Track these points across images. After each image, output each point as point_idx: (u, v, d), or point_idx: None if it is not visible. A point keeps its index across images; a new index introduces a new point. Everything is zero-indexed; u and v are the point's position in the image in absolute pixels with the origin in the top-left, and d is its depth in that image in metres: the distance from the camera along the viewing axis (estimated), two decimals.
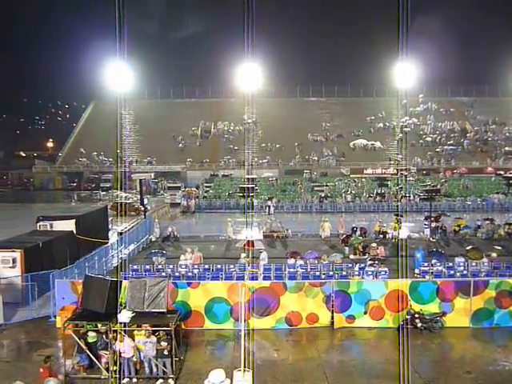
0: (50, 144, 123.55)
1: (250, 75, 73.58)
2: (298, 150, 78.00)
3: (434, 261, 22.22)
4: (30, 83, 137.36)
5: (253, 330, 16.21)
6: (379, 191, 52.93)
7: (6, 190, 74.63)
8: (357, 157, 73.93)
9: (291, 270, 21.29)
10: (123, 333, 13.48)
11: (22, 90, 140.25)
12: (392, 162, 69.66)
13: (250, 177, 52.87)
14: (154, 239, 32.85)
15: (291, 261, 22.29)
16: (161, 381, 13.63)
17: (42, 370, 12.82)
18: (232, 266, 21.54)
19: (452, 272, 21.17)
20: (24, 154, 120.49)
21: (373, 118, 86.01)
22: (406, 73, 73.25)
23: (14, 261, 20.12)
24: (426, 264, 21.92)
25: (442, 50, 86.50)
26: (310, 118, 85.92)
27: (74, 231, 26.01)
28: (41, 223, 26.84)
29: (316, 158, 75.41)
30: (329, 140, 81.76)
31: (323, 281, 18.30)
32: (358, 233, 31.29)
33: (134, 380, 13.63)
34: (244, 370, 10.94)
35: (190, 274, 21.10)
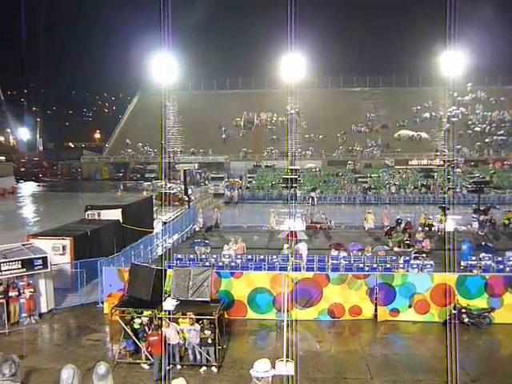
0: (97, 135, 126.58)
1: (293, 66, 73.09)
2: (342, 141, 77.19)
3: (482, 254, 21.65)
4: (78, 76, 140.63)
5: (295, 320, 16.21)
6: (425, 183, 51.86)
7: (56, 179, 77.05)
8: (402, 147, 72.52)
9: (334, 261, 21.18)
10: (168, 320, 13.71)
11: (70, 83, 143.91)
12: (438, 153, 68.06)
13: (292, 167, 52.71)
14: (197, 229, 33.24)
15: (334, 252, 22.16)
16: (204, 368, 13.82)
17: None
18: (275, 257, 21.58)
19: (501, 266, 20.56)
20: (73, 145, 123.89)
21: (418, 107, 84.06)
22: (453, 61, 71.14)
23: (64, 248, 20.75)
24: (473, 258, 21.39)
25: (493, 36, 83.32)
26: (353, 108, 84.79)
27: (121, 220, 26.57)
28: (89, 212, 27.54)
29: (360, 149, 74.44)
30: (373, 130, 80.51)
31: (367, 273, 18.12)
32: (403, 225, 30.77)
33: (178, 366, 13.87)
34: (286, 361, 10.96)
35: (233, 263, 21.28)
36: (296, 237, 23.54)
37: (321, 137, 77.71)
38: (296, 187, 44.88)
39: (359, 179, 55.11)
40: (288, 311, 16.08)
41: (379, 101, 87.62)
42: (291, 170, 49.88)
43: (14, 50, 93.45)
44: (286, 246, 22.86)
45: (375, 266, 20.18)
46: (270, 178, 56.43)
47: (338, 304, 17.27)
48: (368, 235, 30.78)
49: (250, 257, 21.96)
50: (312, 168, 62.27)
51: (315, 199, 45.45)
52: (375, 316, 17.20)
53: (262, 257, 21.71)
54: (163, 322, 13.67)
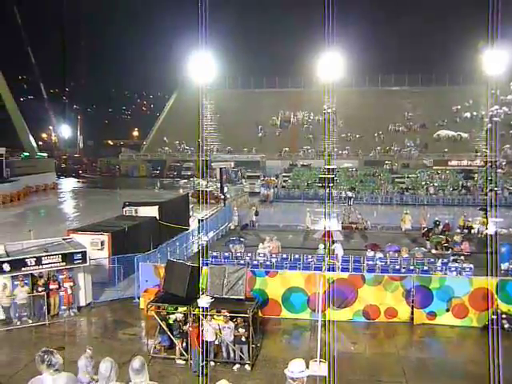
0: (135, 133, 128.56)
1: (330, 64, 72.54)
2: (379, 141, 76.21)
3: None
4: (118, 75, 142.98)
5: (330, 321, 16.11)
6: (465, 184, 50.72)
7: (95, 176, 78.65)
8: (441, 148, 71.03)
9: (370, 262, 20.92)
10: (204, 317, 13.82)
11: (110, 82, 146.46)
12: (479, 154, 66.39)
13: (329, 167, 52.33)
14: (232, 227, 33.38)
15: (370, 253, 21.92)
16: (237, 366, 13.88)
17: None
18: (310, 256, 21.48)
19: None
20: (112, 143, 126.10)
21: (459, 107, 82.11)
22: (496, 59, 69.21)
23: (102, 243, 21.17)
24: None
25: None
26: (391, 107, 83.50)
27: (157, 217, 26.93)
28: (127, 208, 28.02)
29: (397, 149, 73.34)
30: (411, 130, 79.12)
31: (403, 275, 17.85)
32: (441, 227, 30.18)
33: (212, 363, 13.97)
34: (320, 361, 10.89)
35: (268, 262, 21.28)
36: (331, 237, 23.38)
37: (358, 136, 76.90)
38: (332, 187, 44.53)
39: (396, 179, 54.30)
40: (322, 311, 16.00)
41: (418, 100, 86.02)
42: (327, 169, 49.48)
43: (57, 49, 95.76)
44: (321, 245, 22.71)
45: (412, 267, 19.85)
46: (305, 178, 56.19)
47: (373, 305, 17.07)
48: (405, 236, 30.32)
49: (285, 256, 21.93)
50: (348, 168, 61.70)
51: (351, 199, 45.08)
52: (411, 319, 16.93)
53: (297, 256, 21.65)
54: (202, 318, 13.78)
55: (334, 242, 22.92)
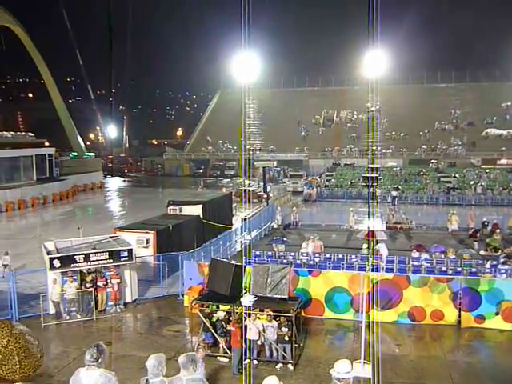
0: (179, 133, 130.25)
1: (374, 62, 71.52)
2: (424, 139, 74.66)
3: None
4: (162, 76, 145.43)
5: (374, 322, 15.90)
6: None
7: (140, 175, 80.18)
8: (489, 146, 68.96)
9: (415, 263, 20.56)
10: (247, 316, 13.89)
11: (154, 83, 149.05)
12: None
13: (373, 166, 51.65)
14: (275, 226, 33.40)
15: (415, 254, 21.52)
16: (280, 365, 13.88)
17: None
18: (353, 256, 21.29)
19: None
20: (156, 142, 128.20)
21: (509, 103, 79.49)
22: None
23: (147, 241, 21.59)
24: None
25: None
26: (437, 105, 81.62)
27: (201, 216, 27.21)
28: (171, 207, 28.45)
29: (444, 148, 71.67)
30: (458, 128, 77.17)
31: (450, 276, 17.45)
32: (489, 227, 29.31)
33: (255, 362, 14.01)
34: (364, 363, 10.80)
35: (311, 262, 21.21)
36: (375, 237, 23.08)
37: (402, 135, 75.61)
38: (376, 186, 43.93)
39: (442, 179, 53.06)
40: (366, 312, 15.81)
41: (465, 97, 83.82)
42: (371, 168, 48.87)
43: (104, 51, 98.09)
44: (365, 245, 22.47)
45: (459, 269, 19.38)
46: (349, 177, 55.66)
47: (418, 307, 16.75)
48: (451, 237, 29.63)
49: (328, 255, 21.80)
50: (393, 167, 60.73)
51: (396, 199, 44.37)
52: (459, 322, 16.52)
53: (340, 256, 21.49)
54: (246, 317, 13.85)
55: (377, 242, 22.61)
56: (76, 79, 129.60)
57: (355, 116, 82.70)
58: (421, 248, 22.51)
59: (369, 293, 16.31)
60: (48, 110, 79.48)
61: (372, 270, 18.29)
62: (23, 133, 65.82)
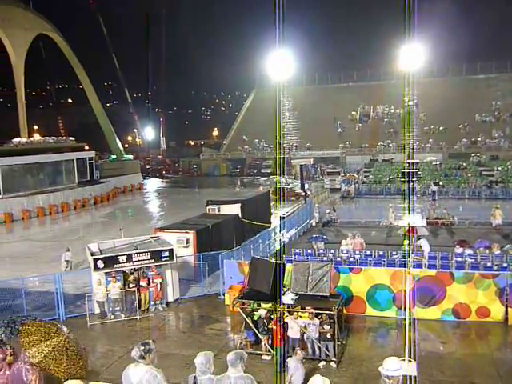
0: (215, 133, 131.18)
1: (411, 55, 70.31)
2: (464, 132, 72.94)
3: None
4: (197, 76, 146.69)
5: (417, 319, 15.65)
6: None
7: (178, 176, 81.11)
8: None
9: (459, 259, 20.13)
10: (288, 314, 13.89)
11: (189, 84, 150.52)
12: None
13: (411, 161, 50.83)
14: (314, 224, 33.26)
15: (459, 250, 21.07)
16: (323, 363, 13.81)
17: None
18: (394, 253, 21.02)
19: None
20: (193, 143, 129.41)
21: None
22: None
23: (187, 241, 21.82)
24: None
25: None
26: (477, 96, 79.49)
27: (240, 215, 27.32)
28: (210, 207, 28.68)
29: (485, 140, 69.85)
30: (500, 120, 75.06)
31: (496, 272, 16.99)
32: None
33: None
34: (408, 360, 10.64)
35: (351, 259, 21.04)
36: (416, 233, 22.73)
37: (441, 128, 74.07)
38: (415, 181, 43.21)
39: (484, 172, 51.76)
40: (409, 309, 15.59)
41: (507, 88, 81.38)
42: (410, 163, 48.12)
43: (140, 55, 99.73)
44: (405, 241, 22.15)
45: (505, 265, 18.86)
46: (387, 172, 54.94)
47: (463, 304, 16.38)
48: (495, 232, 28.88)
49: (368, 252, 21.59)
50: (432, 161, 59.57)
51: (436, 194, 43.57)
52: (506, 319, 16.06)
53: (381, 253, 21.24)
54: (287, 315, 13.86)
55: (419, 238, 22.26)
56: (113, 83, 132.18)
57: (392, 111, 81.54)
58: (464, 243, 22.02)
59: (411, 290, 16.07)
60: (87, 114, 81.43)
61: (414, 267, 18.03)
62: (64, 137, 67.54)
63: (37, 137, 67.60)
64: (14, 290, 19.12)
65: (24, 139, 57.03)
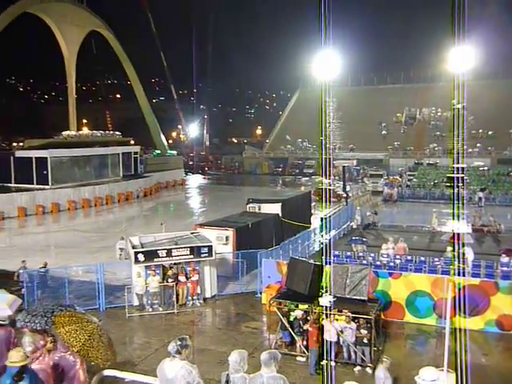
0: (258, 131, 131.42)
1: (460, 56, 68.54)
2: None
3: None
4: (242, 75, 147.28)
5: (458, 329, 15.23)
6: None
7: (220, 173, 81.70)
8: None
9: (504, 268, 19.51)
10: (325, 316, 13.76)
11: (234, 82, 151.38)
12: None
13: (458, 166, 49.53)
14: (354, 226, 32.88)
15: (505, 259, 20.41)
16: (358, 368, 13.63)
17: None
18: (436, 260, 20.55)
19: None
20: (236, 141, 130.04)
21: None
22: None
23: (227, 238, 21.93)
24: None
25: None
26: None
27: (280, 214, 27.27)
28: (250, 205, 28.72)
29: None
30: None
31: None
32: None
33: (333, 363, 13.85)
34: (447, 371, 10.35)
35: (391, 263, 20.69)
36: (460, 240, 22.12)
37: (490, 133, 71.84)
38: (461, 187, 42.09)
39: None
40: (450, 318, 15.18)
41: None
42: (456, 168, 46.92)
43: (186, 52, 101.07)
44: (449, 248, 21.61)
45: None
46: (432, 177, 53.81)
47: (508, 316, 15.84)
48: None
49: (409, 258, 21.18)
50: (479, 166, 57.90)
51: (483, 200, 42.36)
52: None
53: (422, 258, 20.81)
54: (324, 317, 13.74)
55: (463, 245, 21.66)
56: (160, 80, 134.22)
57: (439, 114, 79.69)
58: (511, 252, 21.31)
59: (453, 298, 15.65)
60: (134, 109, 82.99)
61: (457, 275, 17.56)
62: (111, 132, 69.14)
63: (85, 130, 69.55)
64: (57, 279, 19.75)
65: (73, 132, 58.83)
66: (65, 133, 56.88)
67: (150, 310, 18.08)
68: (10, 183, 44.06)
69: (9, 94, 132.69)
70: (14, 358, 6.33)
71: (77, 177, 47.71)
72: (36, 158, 44.26)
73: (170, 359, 5.80)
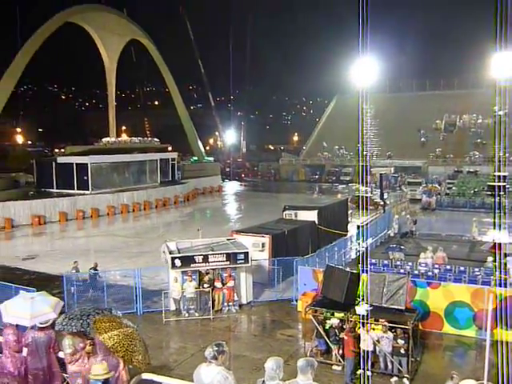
0: (295, 138, 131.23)
1: (502, 63, 67.02)
2: None
3: None
4: (279, 81, 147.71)
5: (499, 341, 14.83)
6: None
7: (257, 180, 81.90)
8: None
9: None
10: (361, 325, 13.63)
11: (271, 89, 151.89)
12: None
13: (499, 174, 48.36)
14: (392, 234, 32.45)
15: None
16: (395, 379, 13.44)
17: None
18: (477, 270, 20.08)
19: None
20: (272, 148, 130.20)
21: None
22: None
23: (263, 245, 21.98)
24: None
25: None
26: None
27: (316, 221, 27.17)
28: (286, 212, 28.72)
29: None
30: None
31: None
32: None
33: (369, 373, 13.69)
34: None
35: (429, 273, 20.33)
36: (502, 250, 21.59)
37: None
38: (503, 195, 41.06)
39: None
40: (491, 330, 14.80)
41: None
42: (497, 176, 45.84)
43: (224, 59, 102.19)
44: (489, 258, 21.10)
45: None
46: (472, 185, 52.58)
47: None
48: None
49: (448, 267, 20.77)
50: None
51: None
52: None
53: (462, 268, 20.37)
54: (360, 326, 13.61)
55: (505, 256, 21.12)
56: (197, 87, 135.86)
57: (480, 121, 77.96)
58: None
59: (494, 309, 15.25)
60: (172, 116, 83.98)
61: (498, 286, 17.11)
62: (149, 138, 70.27)
63: (124, 137, 70.89)
64: (96, 282, 20.18)
65: (112, 139, 60.07)
66: (105, 139, 58.15)
67: (186, 315, 18.26)
68: (52, 188, 45.26)
69: (52, 102, 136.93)
70: (97, 371, 6.45)
71: (116, 182, 48.66)
72: (77, 164, 45.36)
73: (206, 364, 5.85)
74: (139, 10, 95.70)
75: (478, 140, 72.65)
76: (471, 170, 62.39)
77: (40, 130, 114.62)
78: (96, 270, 20.85)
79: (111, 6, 60.97)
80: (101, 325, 6.84)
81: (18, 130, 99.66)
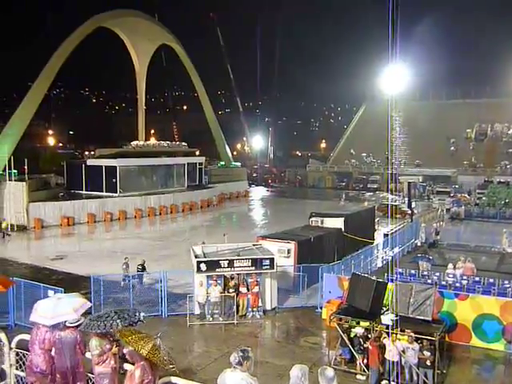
0: (322, 145, 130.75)
1: None
2: None
3: None
4: (307, 88, 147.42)
5: None
6: None
7: (283, 185, 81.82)
8: None
9: None
10: (387, 335, 13.47)
11: (299, 95, 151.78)
12: None
13: None
14: (419, 244, 32.03)
15: None
16: None
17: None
18: (507, 282, 19.65)
19: None
20: (300, 154, 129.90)
21: None
22: None
23: (288, 251, 21.94)
24: None
25: None
26: None
27: (342, 229, 27.00)
28: (313, 219, 28.63)
29: None
30: None
31: None
32: None
33: None
34: None
35: (457, 284, 19.98)
36: None
37: None
38: None
39: None
40: None
41: None
42: None
43: (253, 65, 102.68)
44: None
45: None
46: (502, 195, 51.54)
47: None
48: None
49: (477, 279, 20.37)
50: None
51: None
52: None
53: (491, 280, 19.95)
54: (385, 336, 13.45)
55: None
56: (226, 92, 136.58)
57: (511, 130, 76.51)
58: None
59: None
60: (200, 121, 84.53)
61: None
62: (177, 142, 70.88)
63: (152, 140, 71.64)
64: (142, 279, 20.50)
65: (141, 142, 60.75)
66: (133, 142, 58.83)
67: (211, 319, 18.31)
68: (82, 190, 46.03)
69: (83, 105, 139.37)
70: None
71: (143, 186, 49.19)
72: (106, 166, 46.05)
73: (231, 370, 5.86)
74: (170, 15, 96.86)
75: (510, 150, 71.29)
76: (502, 181, 61.16)
77: (71, 132, 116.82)
78: (143, 267, 21.18)
79: (143, 12, 61.82)
80: (127, 338, 6.94)
81: (50, 132, 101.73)
